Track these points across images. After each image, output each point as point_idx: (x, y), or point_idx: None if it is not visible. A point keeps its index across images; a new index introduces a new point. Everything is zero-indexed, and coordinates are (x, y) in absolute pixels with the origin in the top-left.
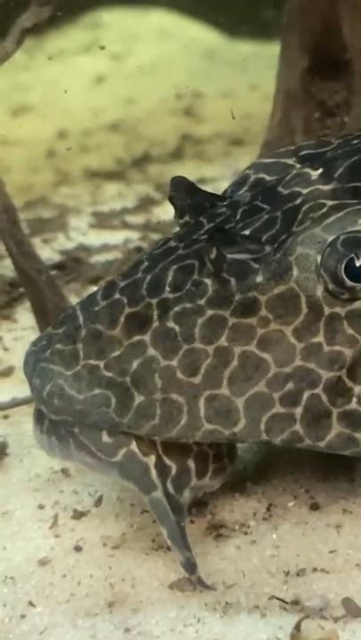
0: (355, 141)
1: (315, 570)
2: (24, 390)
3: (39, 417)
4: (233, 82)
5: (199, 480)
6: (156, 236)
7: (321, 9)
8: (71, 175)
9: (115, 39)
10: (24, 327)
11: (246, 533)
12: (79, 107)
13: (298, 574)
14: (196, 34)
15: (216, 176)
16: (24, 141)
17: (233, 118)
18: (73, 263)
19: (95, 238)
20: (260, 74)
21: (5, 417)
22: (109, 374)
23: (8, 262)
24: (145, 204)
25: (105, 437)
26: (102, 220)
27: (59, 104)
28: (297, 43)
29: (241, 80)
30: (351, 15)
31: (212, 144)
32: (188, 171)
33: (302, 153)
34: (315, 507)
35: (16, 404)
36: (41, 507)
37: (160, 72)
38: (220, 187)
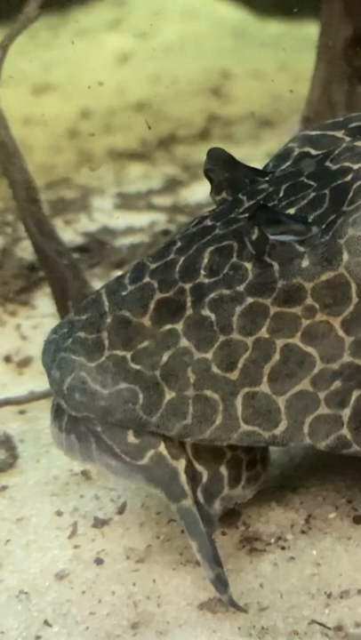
0: None
1: (359, 592)
2: (42, 383)
3: (58, 413)
4: (262, 62)
5: (231, 489)
6: (183, 219)
7: None
8: (95, 156)
9: (141, 17)
10: (43, 314)
11: (283, 548)
12: (104, 85)
13: (341, 596)
14: (225, 12)
15: (245, 158)
16: (46, 120)
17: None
18: (96, 246)
19: (120, 220)
20: (290, 54)
21: (22, 412)
22: (137, 367)
23: (27, 244)
24: (171, 185)
25: (131, 438)
26: (127, 202)
27: (82, 82)
28: (340, 9)
29: (271, 60)
30: None
31: (241, 125)
32: None
33: (352, 125)
34: (358, 519)
35: (33, 398)
36: (59, 513)
37: (187, 51)
38: None
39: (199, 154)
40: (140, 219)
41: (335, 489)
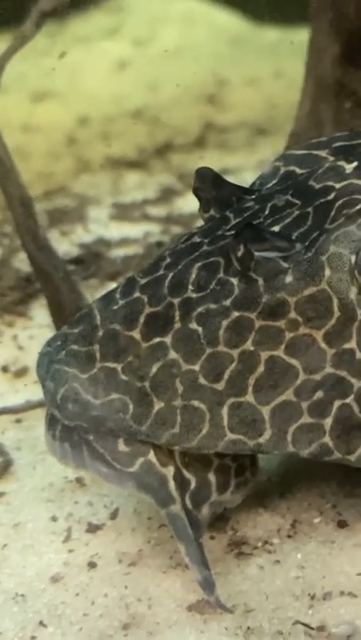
0: None
1: (342, 593)
2: (38, 393)
3: (52, 422)
4: (258, 69)
5: (220, 495)
6: (177, 229)
7: None
8: (92, 163)
9: (139, 24)
10: (40, 325)
11: (270, 552)
12: (102, 93)
13: (324, 598)
14: (222, 20)
15: (240, 166)
16: (44, 128)
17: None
18: (91, 258)
19: (115, 231)
20: (286, 61)
21: (18, 421)
22: (127, 378)
23: (24, 256)
24: (167, 194)
25: (121, 446)
26: (123, 212)
27: (80, 90)
28: (328, 28)
29: (267, 67)
30: None
31: (236, 133)
32: (211, 160)
33: (336, 145)
34: (342, 524)
35: (30, 407)
36: (54, 519)
37: (184, 58)
38: (243, 177)
39: (195, 162)
40: (135, 229)
41: (321, 495)
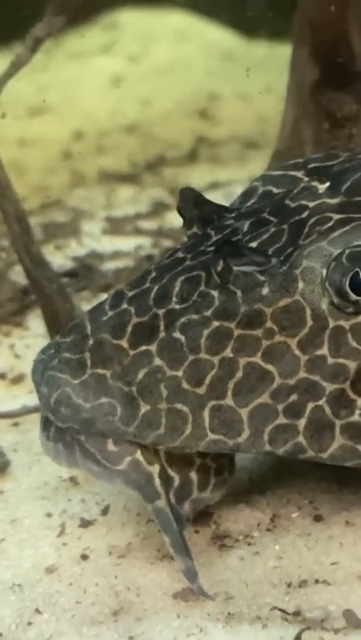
0: None
1: (317, 582)
2: (34, 398)
3: (46, 424)
4: (249, 84)
5: (200, 493)
6: (168, 243)
7: (331, 22)
8: (87, 177)
9: (132, 40)
10: (35, 334)
11: (250, 544)
12: (96, 108)
13: (300, 586)
14: (214, 36)
15: (231, 179)
16: (41, 142)
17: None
18: (84, 271)
19: (108, 245)
20: (276, 76)
21: (15, 424)
22: (116, 383)
23: (20, 269)
24: (158, 209)
25: (110, 446)
26: (115, 226)
27: (75, 105)
28: (308, 54)
29: (257, 82)
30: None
31: (227, 147)
32: (203, 174)
33: (310, 166)
34: (318, 518)
35: (26, 412)
36: (49, 515)
37: (177, 74)
38: (234, 190)
39: (186, 176)
40: (127, 243)
41: (299, 491)
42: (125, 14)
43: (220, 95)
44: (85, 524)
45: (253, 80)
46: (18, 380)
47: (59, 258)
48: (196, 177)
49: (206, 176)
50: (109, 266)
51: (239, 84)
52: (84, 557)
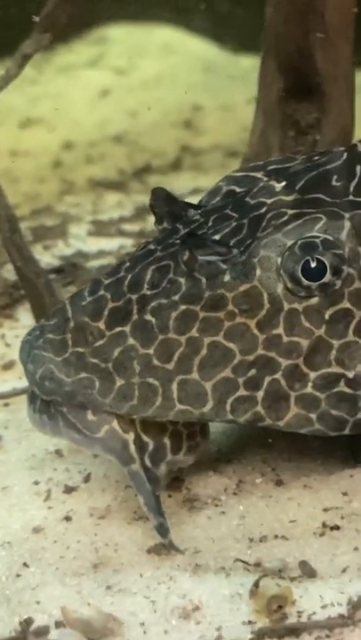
0: (316, 157)
1: (276, 537)
2: (23, 381)
3: (32, 397)
4: (232, 95)
5: (174, 455)
6: None
7: (295, 36)
8: (76, 185)
9: (120, 54)
10: (25, 326)
11: (217, 505)
12: (85, 119)
13: (261, 540)
14: (198, 48)
15: (212, 186)
16: (32, 152)
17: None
18: (71, 268)
19: (93, 245)
20: (257, 88)
21: (6, 405)
22: (94, 360)
23: (11, 267)
24: (141, 212)
25: (90, 416)
26: (100, 228)
27: (65, 116)
28: (274, 67)
29: (240, 93)
30: (322, 43)
31: (210, 155)
32: (186, 181)
33: (270, 168)
34: (279, 483)
35: (16, 393)
36: (36, 482)
37: (163, 86)
38: None
39: (170, 183)
40: (111, 243)
41: (263, 460)
42: (114, 29)
43: (203, 106)
44: (69, 490)
45: (236, 91)
46: (8, 366)
47: (47, 257)
48: (180, 184)
49: (189, 183)
50: (94, 264)
51: (222, 95)
52: (68, 519)
